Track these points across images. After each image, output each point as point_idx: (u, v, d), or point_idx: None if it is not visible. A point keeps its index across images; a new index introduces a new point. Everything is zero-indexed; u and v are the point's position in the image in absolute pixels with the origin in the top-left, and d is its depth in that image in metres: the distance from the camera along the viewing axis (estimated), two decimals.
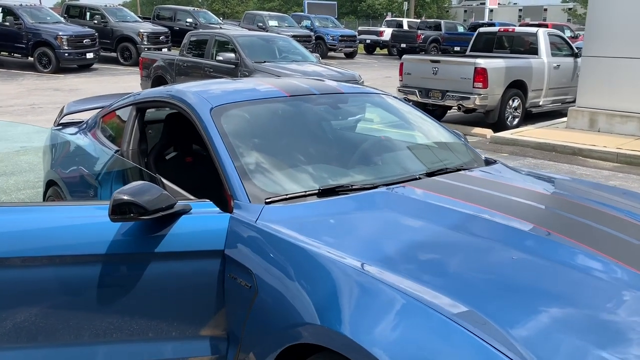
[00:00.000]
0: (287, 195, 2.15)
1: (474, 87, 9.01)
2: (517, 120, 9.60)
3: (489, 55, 10.16)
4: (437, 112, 10.40)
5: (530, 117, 9.99)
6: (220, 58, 8.73)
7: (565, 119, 9.26)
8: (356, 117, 3.19)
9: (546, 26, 18.87)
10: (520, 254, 1.78)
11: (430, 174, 2.47)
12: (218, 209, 2.08)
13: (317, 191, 2.19)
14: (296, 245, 1.81)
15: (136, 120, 3.00)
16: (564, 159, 7.41)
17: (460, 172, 2.55)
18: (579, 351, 1.36)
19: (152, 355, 2.05)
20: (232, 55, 8.70)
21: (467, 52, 11.38)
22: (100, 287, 1.95)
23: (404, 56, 10.23)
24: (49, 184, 3.57)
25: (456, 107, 9.37)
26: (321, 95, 2.82)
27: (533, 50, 10.15)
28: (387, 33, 26.49)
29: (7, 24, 15.36)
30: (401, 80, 10.03)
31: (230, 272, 1.96)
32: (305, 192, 2.18)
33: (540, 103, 10.12)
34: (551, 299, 1.57)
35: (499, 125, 9.26)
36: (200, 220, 2.03)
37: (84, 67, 16.24)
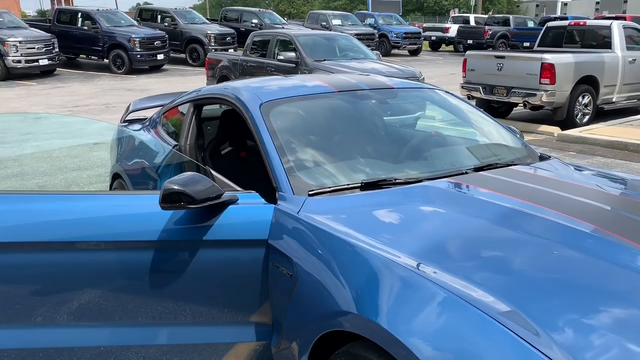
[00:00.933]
0: (329, 188, 2.19)
1: (540, 84, 8.69)
2: (587, 117, 9.19)
3: (558, 50, 9.77)
4: (501, 110, 10.12)
5: (602, 114, 9.53)
6: (281, 57, 8.89)
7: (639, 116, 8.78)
8: (416, 114, 3.18)
9: (623, 19, 17.91)
10: (571, 253, 1.73)
11: (478, 169, 2.44)
12: (263, 200, 2.16)
13: (360, 184, 2.21)
14: (335, 235, 1.85)
15: (194, 117, 3.14)
16: (637, 158, 7.04)
17: (510, 167, 2.50)
18: (624, 357, 1.31)
19: (201, 339, 2.15)
20: (292, 54, 8.85)
21: (535, 48, 10.99)
22: (153, 272, 2.07)
23: (468, 52, 10.02)
24: (115, 176, 3.79)
25: (522, 104, 9.08)
26: (370, 90, 2.84)
27: (606, 44, 9.67)
28: (453, 29, 25.98)
29: (86, 28, 16.30)
30: (464, 77, 9.83)
31: (273, 260, 2.03)
32: (348, 185, 2.21)
33: (614, 100, 9.62)
34: (600, 301, 1.51)
35: (568, 123, 8.89)
36: (246, 210, 2.11)
37: (155, 68, 16.96)
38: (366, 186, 2.21)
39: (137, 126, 3.89)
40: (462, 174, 2.36)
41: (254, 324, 2.14)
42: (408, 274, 1.61)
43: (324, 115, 2.68)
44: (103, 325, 2.13)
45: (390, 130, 2.78)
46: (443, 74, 16.98)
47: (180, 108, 3.39)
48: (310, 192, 2.16)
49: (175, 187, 1.94)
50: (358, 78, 3.07)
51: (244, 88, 2.77)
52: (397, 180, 2.25)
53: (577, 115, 9.07)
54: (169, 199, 1.93)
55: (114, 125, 5.06)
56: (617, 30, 9.62)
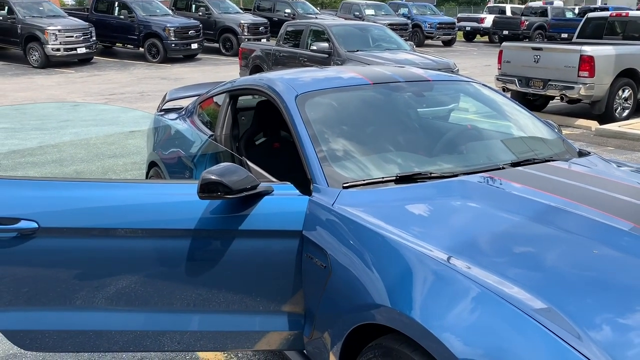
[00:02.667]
0: (364, 180, 2.19)
1: (579, 76, 8.48)
2: (627, 112, 8.93)
3: (597, 42, 9.50)
4: (537, 102, 9.92)
5: None
6: (314, 47, 8.88)
7: None
8: (449, 106, 3.15)
9: None
10: (608, 251, 1.70)
11: (515, 164, 2.40)
12: (298, 191, 2.17)
13: (394, 178, 2.21)
14: (369, 228, 1.85)
15: (229, 107, 3.17)
16: None
17: (548, 163, 2.46)
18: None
19: (235, 327, 2.19)
20: (325, 44, 8.83)
21: (574, 39, 10.71)
22: (190, 260, 2.11)
23: (504, 43, 9.83)
24: (151, 164, 3.87)
25: (559, 97, 8.88)
26: (405, 82, 2.82)
27: None
28: (489, 20, 25.48)
29: (122, 17, 16.56)
30: (500, 69, 9.65)
31: (307, 252, 2.04)
32: (383, 178, 2.21)
33: None
34: (638, 299, 1.49)
35: (607, 117, 8.66)
36: (281, 201, 2.13)
37: (189, 57, 17.15)
38: (401, 179, 2.21)
39: (173, 115, 3.95)
40: (499, 169, 2.33)
41: (287, 313, 2.16)
42: (441, 268, 1.61)
43: (359, 107, 2.68)
44: (139, 310, 2.18)
45: (426, 124, 2.77)
46: (477, 65, 16.71)
47: (216, 99, 3.43)
48: (345, 185, 2.16)
49: (213, 178, 1.97)
50: (393, 70, 3.05)
51: (279, 79, 2.78)
52: (432, 174, 2.24)
53: (616, 110, 8.83)
54: (207, 189, 1.97)
55: (149, 114, 5.15)
56: None
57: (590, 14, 10.89)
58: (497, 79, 9.64)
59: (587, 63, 8.42)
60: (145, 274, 2.12)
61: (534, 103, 9.92)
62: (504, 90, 9.65)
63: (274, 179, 2.38)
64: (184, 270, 2.13)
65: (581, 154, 2.70)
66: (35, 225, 2.03)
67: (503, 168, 2.34)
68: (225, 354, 2.67)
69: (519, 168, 2.35)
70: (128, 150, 6.87)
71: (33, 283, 2.10)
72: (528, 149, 2.63)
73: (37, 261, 2.07)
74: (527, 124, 2.90)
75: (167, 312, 2.19)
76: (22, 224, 2.03)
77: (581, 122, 8.74)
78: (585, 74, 8.44)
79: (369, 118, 2.64)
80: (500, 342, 1.37)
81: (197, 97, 3.78)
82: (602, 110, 8.71)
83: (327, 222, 2.01)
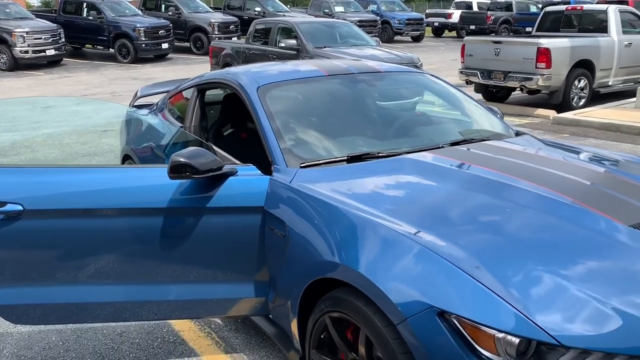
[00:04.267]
0: (319, 160, 2.45)
1: (536, 68, 8.87)
2: (583, 101, 9.36)
3: (554, 35, 9.93)
4: (500, 94, 10.31)
5: (598, 97, 9.70)
6: (283, 44, 9.12)
7: (635, 99, 8.95)
8: (414, 99, 3.43)
9: (626, 3, 17.93)
10: (528, 213, 1.97)
11: (454, 144, 2.69)
12: (259, 172, 2.42)
13: (346, 158, 2.48)
14: (321, 199, 2.12)
15: (197, 100, 3.40)
16: (628, 139, 7.24)
17: (484, 142, 2.75)
18: (561, 291, 1.56)
19: (207, 295, 2.42)
20: (293, 41, 9.07)
21: (533, 33, 11.14)
22: (164, 236, 2.34)
23: (466, 38, 10.20)
24: (125, 158, 4.06)
25: (519, 89, 9.27)
26: (359, 74, 3.09)
27: (603, 29, 9.82)
28: (456, 15, 25.99)
29: (91, 18, 16.53)
30: (463, 62, 10.02)
31: (268, 224, 2.29)
32: (336, 158, 2.48)
33: (610, 83, 9.79)
34: (544, 251, 1.74)
35: (564, 106, 9.07)
36: (245, 181, 2.37)
37: (160, 57, 17.18)
38: (352, 159, 2.47)
39: (144, 111, 4.15)
40: (439, 147, 2.62)
41: (253, 282, 2.41)
42: (382, 228, 1.87)
43: (315, 96, 2.94)
44: (119, 283, 2.39)
45: (377, 111, 3.03)
46: (444, 59, 17.12)
47: (185, 93, 3.65)
48: (302, 165, 2.42)
49: (182, 160, 2.20)
50: (349, 63, 3.32)
51: (243, 73, 3.02)
52: (379, 154, 2.51)
53: (573, 99, 9.25)
54: (176, 170, 2.20)
55: (123, 107, 5.30)
56: (613, 15, 9.76)
57: (548, 8, 11.34)
58: (461, 72, 9.99)
59: (543, 55, 8.82)
60: (123, 250, 2.34)
61: (496, 95, 10.31)
62: (467, 82, 10.03)
63: (238, 162, 2.62)
64: (158, 245, 2.35)
65: (517, 134, 3.01)
66: (20, 208, 2.24)
67: (442, 147, 2.63)
68: (198, 324, 2.90)
69: (456, 147, 2.64)
70: (102, 149, 7.01)
71: (20, 261, 2.30)
72: (468, 131, 2.92)
73: (23, 241, 2.27)
74: (470, 110, 3.20)
75: (144, 285, 2.40)
76: (8, 207, 2.24)
77: (540, 111, 9.14)
78: (543, 65, 8.84)
79: (324, 106, 2.90)
80: (431, 289, 1.63)
81: (167, 93, 3.99)
82: (559, 100, 9.12)
83: (285, 197, 2.26)
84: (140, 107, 4.35)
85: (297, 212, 2.18)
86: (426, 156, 2.50)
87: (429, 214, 2.00)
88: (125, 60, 16.21)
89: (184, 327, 2.93)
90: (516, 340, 1.47)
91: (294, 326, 2.20)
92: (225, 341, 2.79)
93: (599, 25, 10.00)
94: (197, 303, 2.44)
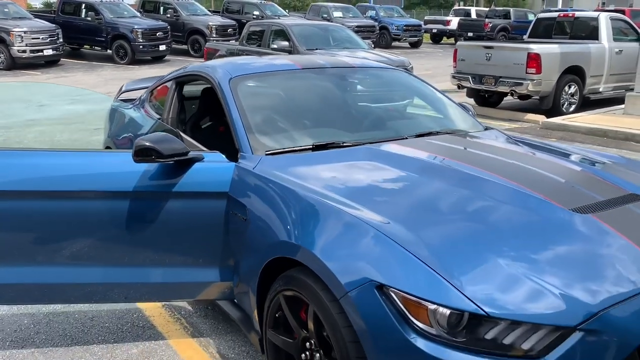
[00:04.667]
0: (284, 149, 2.52)
1: (527, 73, 8.95)
2: (573, 107, 9.44)
3: (545, 41, 10.02)
4: (492, 99, 10.38)
5: (588, 104, 9.78)
6: (275, 46, 9.20)
7: (623, 105, 9.03)
8: (404, 102, 3.50)
9: (623, 12, 18.06)
10: (465, 193, 2.06)
11: (419, 135, 2.76)
12: (226, 159, 2.48)
13: (311, 147, 2.54)
14: (279, 183, 2.18)
15: (175, 93, 3.46)
16: (613, 144, 7.31)
17: (446, 135, 2.82)
18: (494, 268, 1.63)
19: (177, 279, 2.46)
20: (286, 43, 9.15)
21: (526, 39, 11.24)
22: (133, 220, 2.39)
23: (458, 42, 10.29)
24: (106, 149, 4.13)
25: (510, 94, 9.35)
26: (332, 68, 3.16)
27: (594, 36, 9.91)
28: (454, 22, 26.16)
29: (89, 19, 16.63)
30: (455, 67, 10.10)
31: (232, 209, 2.35)
32: (301, 147, 2.54)
33: (600, 89, 9.87)
34: (483, 231, 1.81)
35: (554, 111, 9.14)
36: (211, 167, 2.43)
37: (157, 58, 17.27)
38: (317, 148, 2.53)
39: (128, 105, 4.21)
40: (403, 139, 2.68)
41: (220, 266, 2.46)
42: (334, 210, 1.93)
43: (286, 88, 3.01)
44: (89, 265, 2.44)
45: (347, 104, 3.10)
46: (441, 65, 17.21)
47: (164, 86, 3.71)
48: (267, 152, 2.48)
49: (147, 144, 2.27)
50: (325, 58, 3.39)
51: (218, 66, 3.09)
52: (344, 144, 2.57)
53: (563, 105, 9.33)
54: (141, 154, 2.26)
55: (109, 98, 5.35)
56: (604, 22, 9.86)
57: (540, 15, 11.46)
58: (453, 76, 10.07)
59: (534, 60, 8.90)
60: (93, 232, 2.39)
61: (489, 100, 10.39)
62: (459, 87, 10.11)
63: (204, 149, 2.68)
64: (128, 229, 2.40)
65: (487, 129, 3.07)
66: None
67: (406, 138, 2.69)
68: (168, 310, 2.95)
69: (419, 138, 2.70)
70: (92, 146, 7.07)
71: None
72: (436, 125, 2.98)
73: None
74: (441, 105, 3.26)
75: (114, 267, 2.45)
76: None
77: (530, 116, 9.21)
78: (533, 70, 8.92)
79: (294, 98, 2.97)
80: (371, 265, 1.69)
81: (149, 87, 4.06)
82: (549, 105, 9.20)
83: (248, 182, 2.32)
84: (124, 101, 4.42)
85: (257, 196, 2.24)
86: (389, 146, 2.56)
87: (380, 197, 2.06)
88: (122, 62, 16.30)
89: (154, 313, 2.98)
90: (447, 312, 1.52)
91: (254, 307, 2.25)
92: (194, 326, 2.84)
93: (590, 32, 10.09)
94: (166, 286, 2.48)
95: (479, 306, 1.51)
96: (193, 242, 2.43)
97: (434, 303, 1.54)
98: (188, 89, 3.76)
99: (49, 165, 2.38)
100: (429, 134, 2.81)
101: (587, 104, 9.71)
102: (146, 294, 2.51)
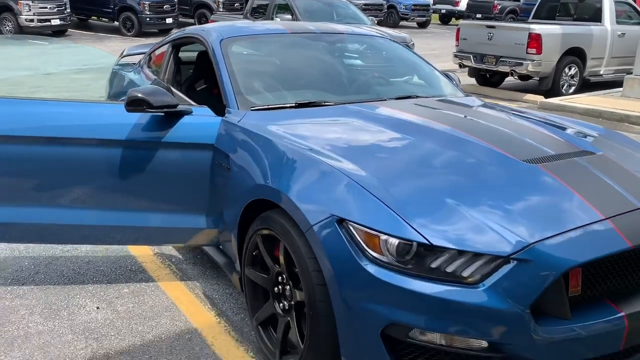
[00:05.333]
0: (268, 105, 2.68)
1: (527, 53, 9.01)
2: (573, 88, 9.49)
3: (547, 22, 10.05)
4: (493, 80, 10.45)
5: (588, 86, 9.83)
6: (278, 19, 9.30)
7: (622, 88, 9.09)
8: (405, 77, 3.64)
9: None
10: (431, 146, 2.22)
11: (399, 98, 2.91)
12: (213, 113, 2.65)
13: (294, 105, 2.70)
14: (259, 133, 2.36)
15: (171, 56, 3.62)
16: (608, 125, 7.40)
17: (426, 98, 2.97)
18: (442, 206, 1.80)
19: (169, 224, 2.64)
20: (288, 17, 9.25)
21: (530, 20, 11.25)
22: (127, 167, 2.55)
23: (461, 21, 10.34)
24: None
25: (509, 73, 9.42)
26: (321, 33, 3.30)
27: (597, 18, 9.93)
28: (463, 3, 25.95)
29: None
30: (457, 46, 10.17)
31: (217, 159, 2.53)
32: (284, 104, 2.70)
33: (601, 72, 9.91)
34: (440, 176, 1.98)
35: (553, 92, 9.21)
36: (198, 120, 2.60)
37: (164, 31, 17.31)
38: (299, 106, 2.69)
39: (128, 68, 4.38)
40: (382, 100, 2.84)
41: (208, 214, 2.63)
42: (305, 156, 2.10)
43: (275, 51, 3.16)
44: (86, 208, 2.62)
45: (333, 68, 3.24)
46: (447, 46, 17.18)
47: (162, 49, 3.86)
48: (252, 108, 2.65)
49: (139, 95, 2.43)
50: (315, 24, 3.53)
51: (212, 28, 3.24)
52: (325, 103, 2.73)
53: (563, 86, 9.38)
54: (133, 104, 2.43)
55: (113, 57, 5.49)
56: (607, 4, 9.85)
57: None
58: (455, 55, 10.14)
59: (535, 40, 8.95)
60: (89, 177, 2.57)
61: (490, 80, 10.47)
62: (460, 66, 10.19)
63: (194, 103, 2.84)
64: (122, 175, 2.58)
65: (467, 97, 3.22)
66: None
67: (385, 100, 2.85)
68: (159, 257, 3.14)
69: (398, 100, 2.86)
70: None
71: None
72: (416, 90, 3.13)
73: None
74: (425, 72, 3.41)
75: (109, 210, 2.63)
76: None
77: (529, 96, 9.29)
78: (533, 51, 8.98)
79: (282, 60, 3.12)
80: (334, 202, 1.86)
81: (147, 51, 4.21)
82: (549, 86, 9.26)
83: (233, 134, 2.50)
84: (124, 65, 4.58)
85: (240, 147, 2.42)
86: (367, 105, 2.73)
87: (350, 146, 2.23)
88: (129, 34, 16.39)
89: (146, 259, 3.18)
90: (396, 242, 1.70)
91: (235, 249, 2.44)
92: (182, 272, 3.04)
93: (593, 14, 10.09)
94: (158, 231, 2.66)
95: (425, 237, 1.68)
96: (182, 190, 2.61)
97: (385, 234, 1.71)
98: (186, 54, 3.91)
99: (50, 113, 2.55)
100: (408, 97, 2.96)
101: (587, 86, 9.77)
102: (139, 237, 2.69)
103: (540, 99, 9.02)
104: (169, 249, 3.30)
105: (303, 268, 1.91)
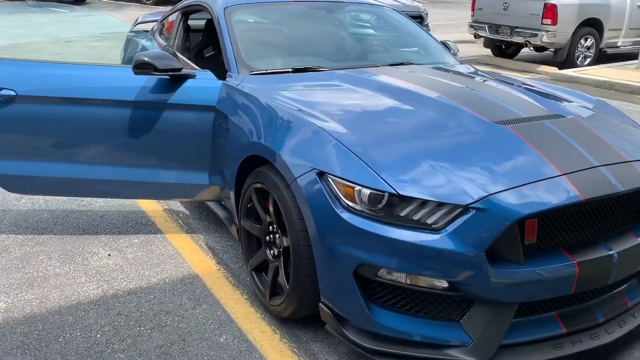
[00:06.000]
0: (267, 70, 2.86)
1: (542, 24, 8.95)
2: (589, 60, 9.42)
3: None
4: (509, 51, 10.40)
5: (605, 57, 9.74)
6: None
7: (637, 60, 9.01)
8: (414, 48, 3.77)
9: None
10: (412, 109, 2.37)
11: (392, 65, 3.06)
12: (215, 77, 2.84)
13: (291, 70, 2.87)
14: (253, 95, 2.54)
15: (181, 23, 3.80)
16: (618, 97, 7.41)
17: (418, 65, 3.12)
18: (411, 161, 1.97)
19: (177, 180, 2.86)
20: None
21: None
22: (136, 126, 2.76)
23: None
24: None
25: (524, 44, 9.37)
26: (323, 2, 3.45)
27: None
28: None
29: None
30: (472, 15, 10.12)
31: (218, 120, 2.73)
32: (282, 69, 2.88)
33: (619, 44, 9.78)
34: (414, 136, 2.14)
35: (568, 64, 9.16)
36: (201, 83, 2.80)
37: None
38: (296, 71, 2.86)
39: (142, 35, 4.57)
40: (375, 66, 2.99)
41: (209, 171, 2.85)
42: (295, 116, 2.28)
43: (277, 18, 3.32)
44: (102, 164, 2.85)
45: (333, 35, 3.39)
46: (466, 16, 16.96)
47: (173, 17, 4.04)
48: (252, 73, 2.83)
49: (145, 59, 2.63)
50: None
51: None
52: (321, 68, 2.90)
53: (578, 58, 9.31)
54: (140, 67, 2.63)
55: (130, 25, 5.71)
56: None
57: None
58: (470, 25, 10.11)
59: (550, 11, 8.88)
60: (102, 135, 2.80)
61: (506, 51, 10.42)
62: (475, 36, 10.16)
63: (197, 68, 3.03)
64: (131, 133, 2.80)
65: (461, 65, 3.35)
66: (13, 93, 2.70)
67: (378, 66, 3.00)
68: (168, 213, 3.38)
69: (390, 66, 3.01)
70: None
71: (15, 139, 2.78)
72: (411, 57, 3.28)
73: (18, 122, 2.75)
74: (423, 41, 3.54)
75: (122, 166, 2.86)
76: (3, 92, 2.70)
77: (543, 68, 9.26)
78: (548, 21, 8.91)
79: (283, 27, 3.28)
80: (316, 157, 2.05)
81: (159, 18, 4.39)
82: (563, 58, 9.21)
83: (232, 96, 2.69)
84: (138, 32, 4.78)
85: (238, 108, 2.61)
86: (357, 71, 2.89)
87: (338, 108, 2.40)
88: (147, 2, 16.56)
89: (155, 214, 3.42)
90: (368, 192, 1.88)
91: (233, 202, 2.65)
92: (188, 225, 3.27)
93: None
94: (167, 186, 2.89)
95: (394, 188, 1.86)
96: (187, 149, 2.82)
97: (359, 185, 1.90)
98: (196, 22, 4.09)
99: (67, 75, 2.77)
100: (401, 64, 3.11)
101: (603, 58, 9.68)
102: (150, 192, 2.92)
103: (554, 70, 8.99)
104: (177, 205, 3.54)
105: (288, 217, 2.11)
